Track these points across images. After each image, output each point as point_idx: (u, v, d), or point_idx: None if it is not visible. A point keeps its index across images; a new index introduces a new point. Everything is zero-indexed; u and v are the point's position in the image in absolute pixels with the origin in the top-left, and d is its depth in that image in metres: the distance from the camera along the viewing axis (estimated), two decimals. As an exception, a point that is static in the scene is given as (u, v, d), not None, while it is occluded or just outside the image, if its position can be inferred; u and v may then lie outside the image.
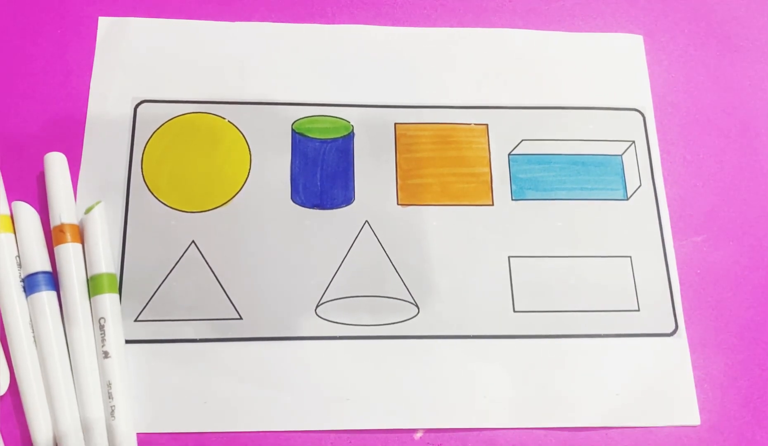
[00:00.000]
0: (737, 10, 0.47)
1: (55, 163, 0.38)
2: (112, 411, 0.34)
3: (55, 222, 0.37)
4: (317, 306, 0.38)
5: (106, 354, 0.35)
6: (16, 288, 0.35)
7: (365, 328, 0.38)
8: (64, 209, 0.37)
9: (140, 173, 0.39)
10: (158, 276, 0.38)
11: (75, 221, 0.37)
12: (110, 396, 0.34)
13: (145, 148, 0.40)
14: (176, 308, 0.37)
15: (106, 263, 0.36)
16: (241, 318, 0.37)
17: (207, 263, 0.38)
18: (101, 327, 0.35)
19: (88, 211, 0.37)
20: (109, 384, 0.35)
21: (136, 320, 0.37)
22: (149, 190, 0.39)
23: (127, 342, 0.36)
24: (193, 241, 0.38)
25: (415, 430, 0.36)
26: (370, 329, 0.38)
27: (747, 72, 0.45)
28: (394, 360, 0.37)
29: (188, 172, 0.40)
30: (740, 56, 0.45)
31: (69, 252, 0.36)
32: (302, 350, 0.37)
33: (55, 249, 0.36)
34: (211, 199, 0.39)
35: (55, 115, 0.40)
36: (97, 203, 0.37)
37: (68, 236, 0.36)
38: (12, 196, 0.38)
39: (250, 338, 0.37)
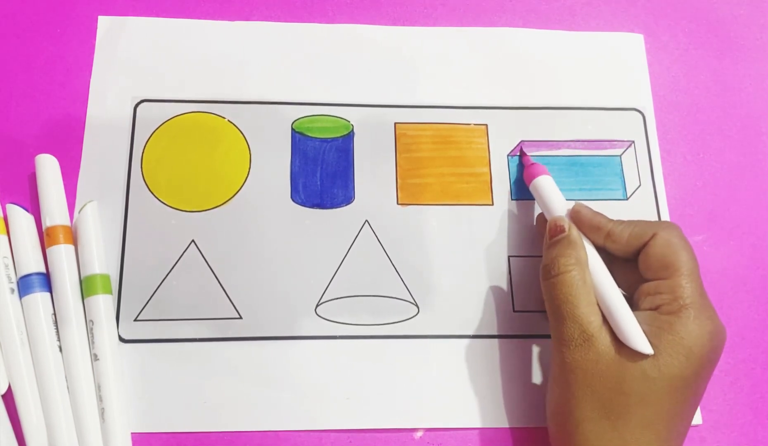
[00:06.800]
0: (737, 9, 0.47)
1: (46, 165, 0.38)
2: (102, 413, 0.34)
3: (46, 223, 0.37)
4: (317, 305, 0.38)
5: (95, 357, 0.35)
6: (6, 289, 0.35)
7: (365, 328, 0.38)
8: (55, 211, 0.37)
9: (140, 173, 0.39)
10: (158, 275, 0.38)
11: (68, 222, 0.37)
12: (100, 399, 0.34)
13: (144, 147, 0.40)
14: (176, 308, 0.37)
15: (99, 264, 0.36)
16: (241, 318, 0.37)
17: (207, 263, 0.38)
18: (91, 330, 0.35)
19: (79, 210, 0.37)
20: (99, 386, 0.35)
21: (135, 319, 0.37)
22: (149, 189, 0.39)
23: (127, 341, 0.36)
24: (193, 241, 0.38)
25: (415, 430, 0.36)
26: (370, 329, 0.38)
27: (747, 72, 0.45)
28: (394, 360, 0.37)
29: (188, 171, 0.40)
30: (740, 56, 0.45)
31: (61, 254, 0.36)
32: (302, 350, 0.37)
33: (47, 251, 0.36)
34: (211, 198, 0.39)
35: (55, 115, 0.40)
36: (89, 202, 0.37)
37: (60, 238, 0.36)
38: (11, 196, 0.38)
39: (250, 338, 0.37)
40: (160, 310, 0.37)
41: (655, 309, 0.32)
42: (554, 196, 0.37)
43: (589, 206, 0.36)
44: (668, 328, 0.31)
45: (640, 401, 0.31)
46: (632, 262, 0.34)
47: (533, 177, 0.38)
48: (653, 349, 0.31)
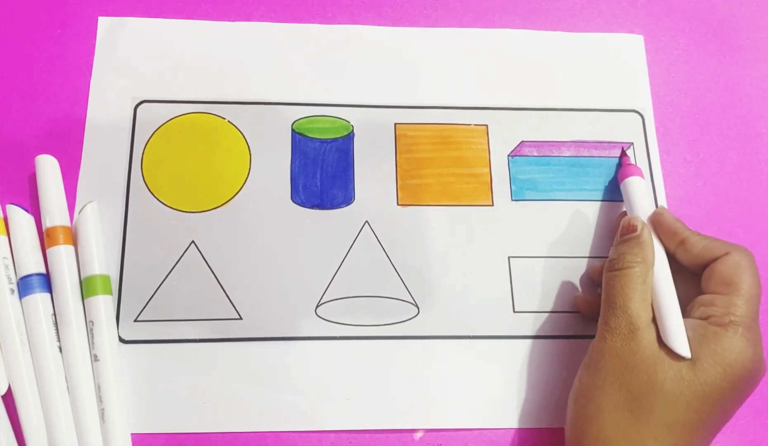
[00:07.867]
0: (737, 9, 0.47)
1: (46, 166, 0.38)
2: (102, 413, 0.34)
3: (46, 224, 0.37)
4: (317, 306, 0.38)
5: (95, 358, 0.35)
6: (6, 290, 0.35)
7: (365, 328, 0.38)
8: (55, 211, 0.37)
9: (140, 173, 0.39)
10: (158, 276, 0.38)
11: (68, 223, 0.37)
12: (100, 400, 0.34)
13: (145, 148, 0.40)
14: (176, 308, 0.37)
15: (99, 264, 0.36)
16: (241, 319, 0.37)
17: (207, 263, 0.38)
18: (91, 331, 0.35)
19: (79, 211, 0.37)
20: (99, 387, 0.35)
21: (135, 320, 0.37)
22: (149, 190, 0.39)
23: (127, 342, 0.36)
24: (193, 241, 0.38)
25: (415, 430, 0.36)
26: (370, 329, 0.38)
27: (747, 72, 0.45)
28: (394, 360, 0.37)
29: (188, 172, 0.40)
30: (740, 56, 0.45)
31: (61, 255, 0.36)
32: (302, 350, 0.37)
33: (47, 251, 0.36)
34: (211, 199, 0.39)
35: (55, 115, 0.40)
36: (89, 203, 0.37)
37: (60, 238, 0.36)
38: (11, 197, 0.38)
39: (250, 338, 0.37)
40: (160, 311, 0.37)
41: (705, 318, 0.32)
42: (640, 197, 0.38)
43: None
44: (713, 338, 0.31)
45: (669, 402, 0.31)
46: (696, 277, 0.34)
47: (626, 176, 0.39)
48: (693, 355, 0.31)
